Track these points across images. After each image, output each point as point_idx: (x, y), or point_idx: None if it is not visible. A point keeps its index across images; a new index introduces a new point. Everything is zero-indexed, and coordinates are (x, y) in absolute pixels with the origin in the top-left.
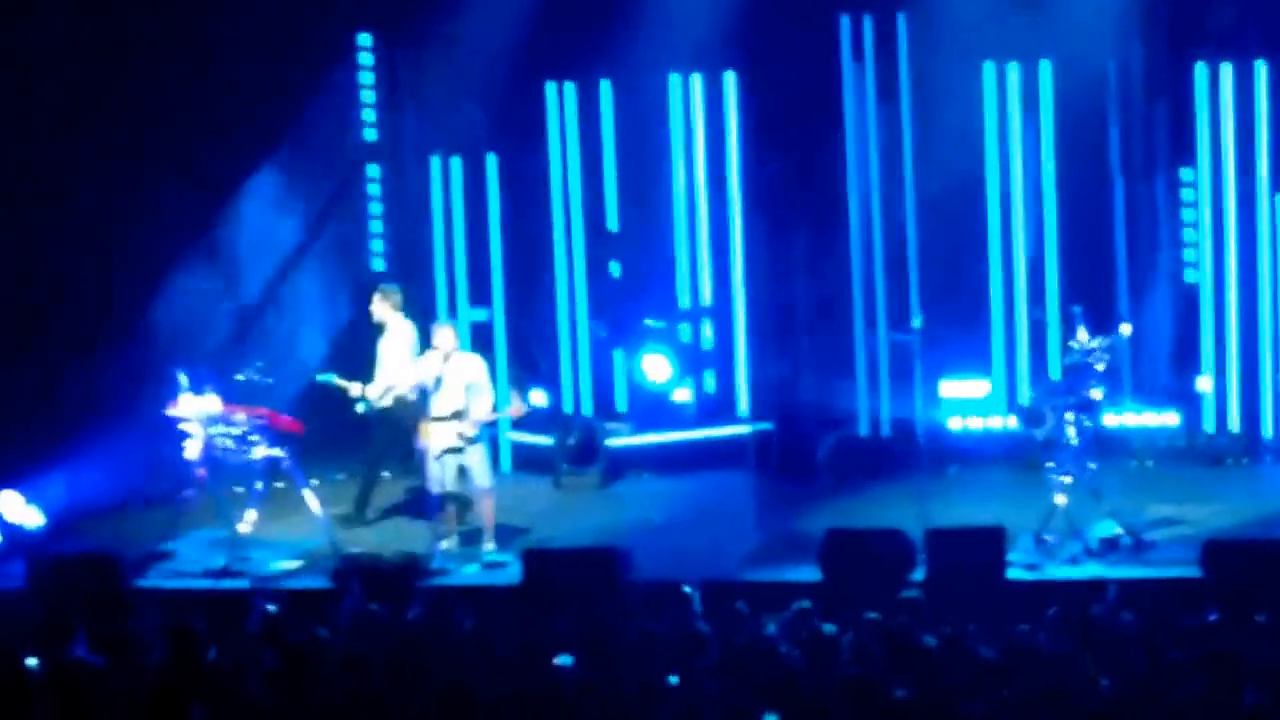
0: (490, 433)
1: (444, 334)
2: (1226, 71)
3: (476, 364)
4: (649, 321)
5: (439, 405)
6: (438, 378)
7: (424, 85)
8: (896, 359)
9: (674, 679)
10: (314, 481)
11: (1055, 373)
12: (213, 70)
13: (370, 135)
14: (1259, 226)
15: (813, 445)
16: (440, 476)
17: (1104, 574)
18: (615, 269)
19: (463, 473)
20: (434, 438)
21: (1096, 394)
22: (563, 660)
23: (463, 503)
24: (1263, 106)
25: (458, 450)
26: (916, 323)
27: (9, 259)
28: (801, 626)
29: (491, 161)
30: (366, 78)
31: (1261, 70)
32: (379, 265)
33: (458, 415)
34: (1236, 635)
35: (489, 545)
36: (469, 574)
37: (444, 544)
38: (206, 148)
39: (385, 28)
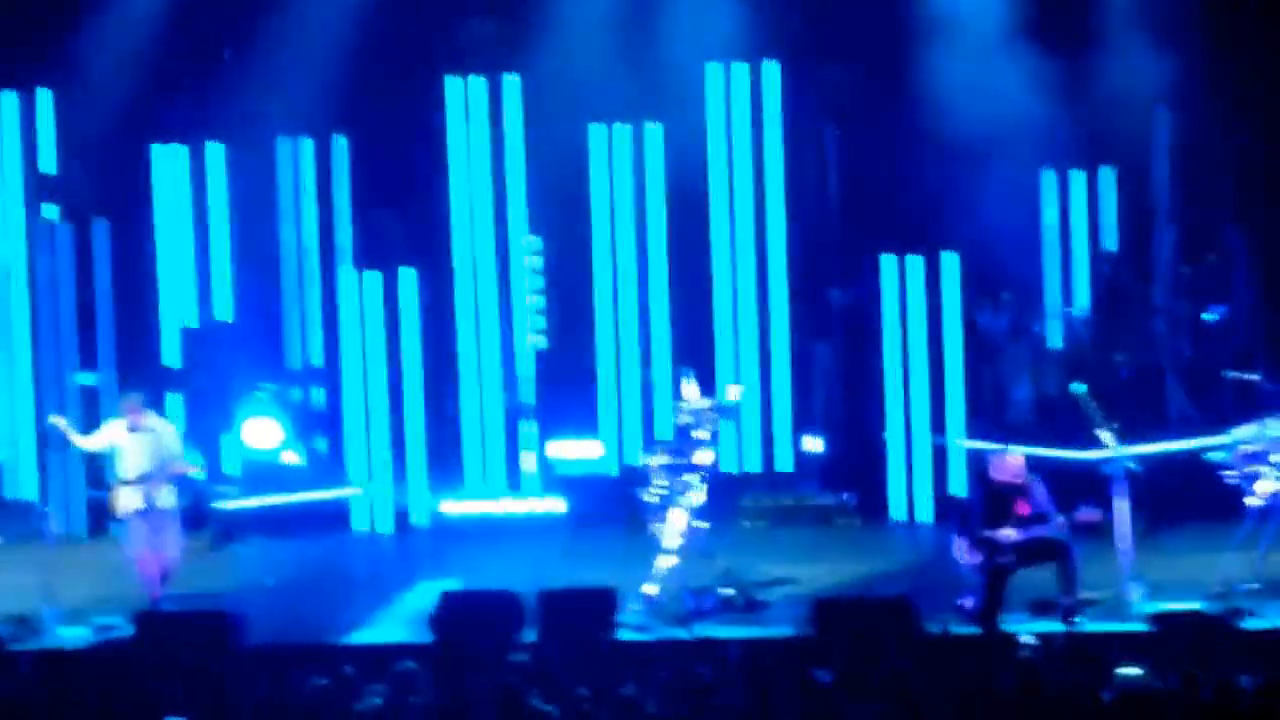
0: (91, 495)
1: (131, 402)
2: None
3: (167, 429)
4: (266, 387)
5: (127, 471)
6: (125, 445)
7: (33, 144)
8: (506, 420)
9: None
10: None
11: (665, 433)
12: None
13: None
14: (864, 285)
15: (422, 507)
16: (132, 539)
17: (714, 634)
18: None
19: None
20: (122, 502)
21: (706, 455)
22: None
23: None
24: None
25: (146, 513)
26: (526, 384)
27: None
28: (408, 690)
29: (100, 225)
30: None
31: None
32: None
33: (144, 479)
34: (846, 693)
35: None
36: (78, 637)
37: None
38: None
39: None
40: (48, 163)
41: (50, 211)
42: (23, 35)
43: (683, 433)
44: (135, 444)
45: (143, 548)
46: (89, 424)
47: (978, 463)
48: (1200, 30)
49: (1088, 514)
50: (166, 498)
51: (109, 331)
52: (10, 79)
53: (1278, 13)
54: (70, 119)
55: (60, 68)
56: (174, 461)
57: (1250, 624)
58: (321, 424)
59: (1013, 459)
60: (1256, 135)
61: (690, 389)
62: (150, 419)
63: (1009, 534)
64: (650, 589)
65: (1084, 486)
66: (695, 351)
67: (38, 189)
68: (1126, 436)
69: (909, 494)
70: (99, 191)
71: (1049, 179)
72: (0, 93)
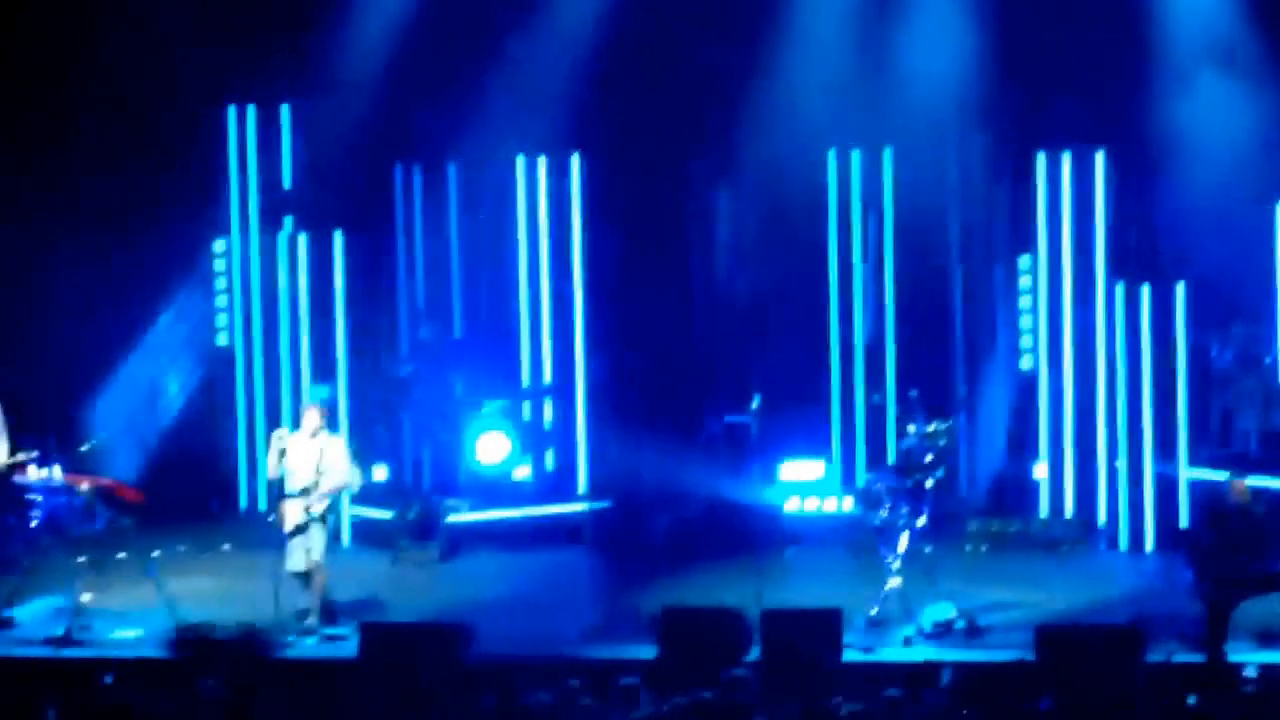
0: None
1: (311, 414)
2: (1066, 160)
3: (338, 444)
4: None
5: (293, 483)
6: (302, 457)
7: (273, 159)
8: (735, 440)
9: None
10: (155, 552)
11: (892, 457)
12: (77, 142)
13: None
14: (1094, 314)
15: (650, 524)
16: (293, 553)
17: (937, 657)
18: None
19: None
20: (289, 516)
21: (932, 479)
22: None
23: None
24: (1099, 195)
25: (305, 528)
26: (754, 404)
27: None
28: (630, 704)
29: (338, 239)
30: (225, 151)
31: (1100, 159)
32: (224, 339)
33: (306, 492)
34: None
35: (312, 620)
36: (307, 647)
37: (309, 619)
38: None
39: (237, 103)
40: (287, 176)
41: (289, 225)
42: (267, 48)
43: (909, 456)
44: (302, 457)
45: (302, 562)
46: None
47: (1206, 492)
48: None
49: None
50: (321, 509)
51: (345, 344)
52: (253, 92)
53: None
54: (311, 133)
55: (303, 81)
56: (337, 475)
57: None
58: (551, 440)
59: (1242, 488)
60: None
61: (918, 412)
62: (322, 432)
63: (1236, 563)
64: (875, 611)
65: None
66: (925, 375)
67: (277, 202)
68: None
69: (1135, 522)
70: (338, 205)
71: None
72: (246, 107)
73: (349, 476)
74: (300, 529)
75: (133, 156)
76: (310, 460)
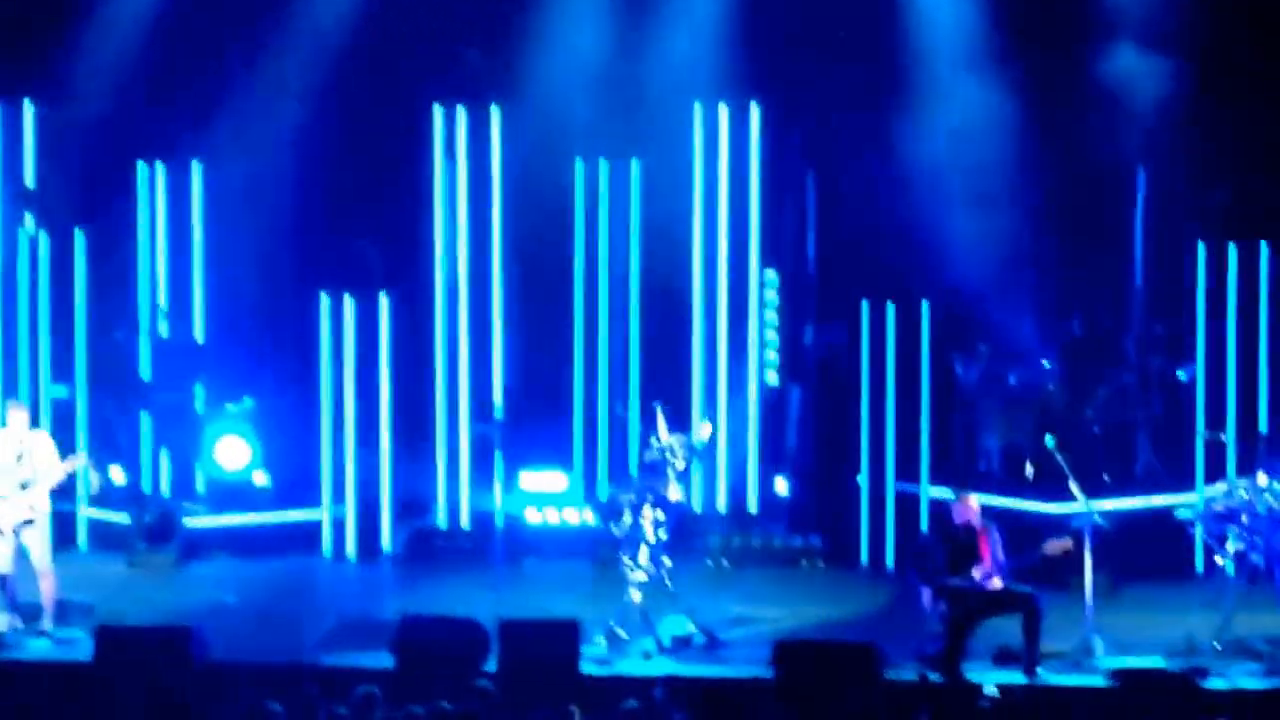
0: (57, 509)
1: (18, 413)
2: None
3: (45, 441)
4: (231, 406)
5: (7, 484)
6: (18, 455)
7: (15, 157)
8: (477, 449)
9: None
10: None
11: (634, 469)
12: None
13: None
14: (840, 330)
15: (390, 532)
16: (8, 554)
17: (676, 671)
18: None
19: (21, 550)
20: (4, 516)
21: (674, 491)
22: None
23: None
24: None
25: (28, 523)
26: (497, 413)
27: None
28: (367, 713)
29: (79, 237)
30: None
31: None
32: None
33: (24, 488)
34: None
35: (48, 624)
36: (38, 650)
37: (42, 621)
38: None
39: None
40: (29, 174)
41: (29, 223)
42: (9, 46)
43: (652, 468)
44: (13, 454)
45: (12, 562)
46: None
47: (940, 510)
48: (1179, 97)
49: (1056, 544)
50: (41, 508)
51: (83, 345)
52: None
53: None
54: (54, 131)
55: (46, 80)
56: (48, 471)
57: (1211, 683)
58: (292, 446)
59: (970, 505)
60: (1228, 195)
61: (661, 425)
62: (25, 429)
63: (974, 575)
64: (614, 624)
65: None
66: (668, 388)
67: (18, 200)
68: (1095, 491)
69: (876, 539)
70: (80, 204)
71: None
72: None
73: (62, 473)
74: (22, 524)
75: None
76: (29, 459)
